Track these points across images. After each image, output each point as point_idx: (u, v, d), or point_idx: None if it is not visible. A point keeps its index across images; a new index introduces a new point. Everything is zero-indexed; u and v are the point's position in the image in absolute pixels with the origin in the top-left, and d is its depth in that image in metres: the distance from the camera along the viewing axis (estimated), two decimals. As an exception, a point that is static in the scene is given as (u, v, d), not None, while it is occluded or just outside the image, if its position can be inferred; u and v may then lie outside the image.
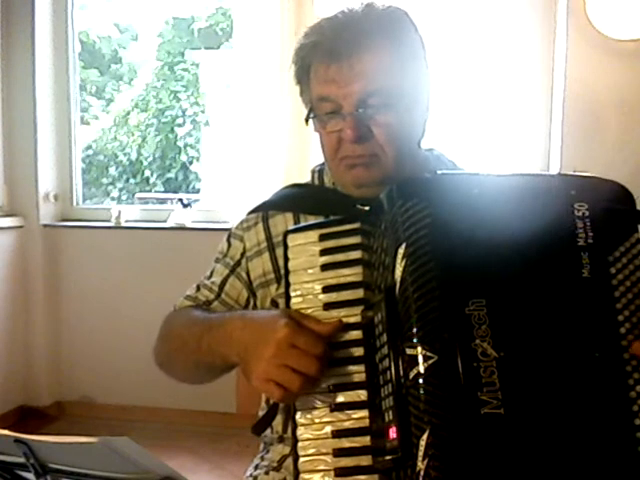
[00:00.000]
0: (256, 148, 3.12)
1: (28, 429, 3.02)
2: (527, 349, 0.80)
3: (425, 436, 0.75)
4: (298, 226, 1.03)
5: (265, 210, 1.18)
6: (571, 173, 0.90)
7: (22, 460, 0.83)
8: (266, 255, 1.16)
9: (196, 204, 3.53)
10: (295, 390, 0.87)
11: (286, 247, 0.96)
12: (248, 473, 1.19)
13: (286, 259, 0.95)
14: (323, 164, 1.18)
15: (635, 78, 2.81)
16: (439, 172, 0.92)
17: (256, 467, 1.19)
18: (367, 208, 0.95)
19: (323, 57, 1.05)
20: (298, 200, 1.18)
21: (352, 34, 1.03)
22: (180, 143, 4.58)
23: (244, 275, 1.18)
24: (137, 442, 0.76)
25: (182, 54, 4.74)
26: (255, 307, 1.17)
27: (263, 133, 3.10)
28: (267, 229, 1.16)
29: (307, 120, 1.10)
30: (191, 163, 4.58)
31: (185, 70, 4.69)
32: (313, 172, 1.21)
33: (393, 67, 1.04)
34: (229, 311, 1.16)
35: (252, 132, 3.12)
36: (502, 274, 0.82)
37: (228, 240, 1.21)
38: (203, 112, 4.51)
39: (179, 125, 4.60)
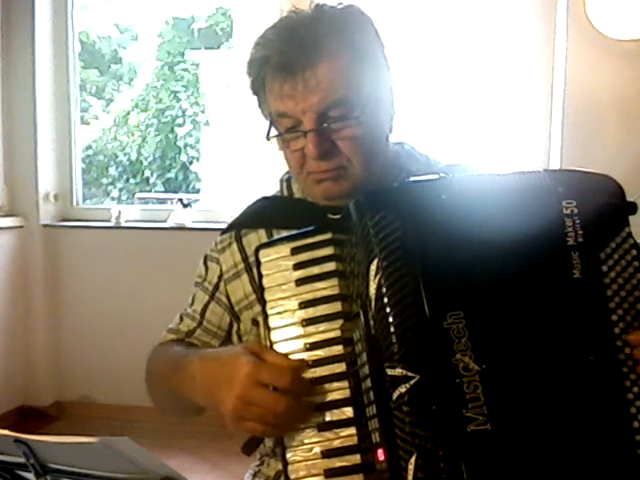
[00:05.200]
0: (256, 148, 3.12)
1: (28, 429, 3.01)
2: (512, 358, 0.78)
3: (413, 459, 0.74)
4: (269, 240, 0.99)
5: (237, 229, 1.14)
6: (557, 169, 0.87)
7: (22, 460, 0.83)
8: (245, 277, 1.11)
9: (196, 204, 3.53)
10: (272, 422, 0.86)
11: (259, 263, 0.93)
12: None
13: (260, 276, 0.92)
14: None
15: (635, 78, 2.80)
16: (409, 179, 0.89)
17: (254, 477, 1.17)
18: (337, 217, 0.91)
19: (275, 73, 0.99)
20: (268, 215, 1.14)
21: (304, 43, 0.95)
22: (180, 143, 4.58)
23: (224, 299, 1.14)
24: (137, 442, 0.76)
25: (182, 54, 4.74)
26: (239, 331, 1.13)
27: (263, 133, 3.09)
28: (242, 249, 1.12)
29: (268, 138, 1.05)
30: (191, 163, 4.58)
31: (185, 70, 4.68)
32: (281, 181, 1.17)
33: (351, 73, 0.97)
34: (213, 338, 1.15)
35: (252, 132, 3.12)
36: (481, 282, 0.79)
37: (205, 263, 1.17)
38: (203, 112, 4.50)
39: (179, 125, 4.59)
